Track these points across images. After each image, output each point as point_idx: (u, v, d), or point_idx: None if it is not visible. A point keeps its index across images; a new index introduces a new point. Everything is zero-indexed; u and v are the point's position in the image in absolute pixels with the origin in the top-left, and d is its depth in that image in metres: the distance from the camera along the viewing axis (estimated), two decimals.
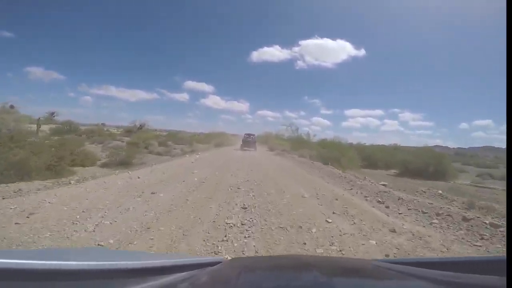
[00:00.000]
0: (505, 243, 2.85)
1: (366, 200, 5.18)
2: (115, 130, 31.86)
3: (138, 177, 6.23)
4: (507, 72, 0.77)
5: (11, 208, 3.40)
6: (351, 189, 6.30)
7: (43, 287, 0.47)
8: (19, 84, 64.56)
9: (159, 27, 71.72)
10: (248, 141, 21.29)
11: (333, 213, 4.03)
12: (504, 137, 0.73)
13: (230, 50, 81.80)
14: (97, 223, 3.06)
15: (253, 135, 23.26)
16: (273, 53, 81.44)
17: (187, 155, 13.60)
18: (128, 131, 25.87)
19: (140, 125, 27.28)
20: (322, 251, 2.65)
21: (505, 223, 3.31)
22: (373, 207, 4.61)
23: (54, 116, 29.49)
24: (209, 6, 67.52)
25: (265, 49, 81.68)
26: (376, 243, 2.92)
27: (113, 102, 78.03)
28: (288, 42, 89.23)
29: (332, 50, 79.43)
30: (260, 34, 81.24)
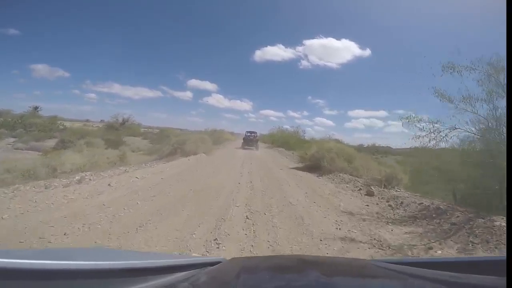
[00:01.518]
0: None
1: None
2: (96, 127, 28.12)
3: None
4: (507, 73, 0.77)
5: None
6: None
7: (43, 287, 0.47)
8: (25, 81, 64.41)
9: (162, 25, 71.45)
10: (250, 140, 20.32)
11: None
12: None
13: (233, 48, 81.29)
14: None
15: (255, 133, 22.22)
16: (277, 52, 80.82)
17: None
18: (110, 127, 22.22)
19: (123, 120, 23.33)
20: None
21: None
22: None
23: (37, 110, 28.71)
24: (213, 5, 67.26)
25: (269, 48, 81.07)
26: None
27: (118, 99, 77.63)
28: (292, 41, 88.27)
29: (336, 50, 78.27)
30: (264, 33, 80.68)
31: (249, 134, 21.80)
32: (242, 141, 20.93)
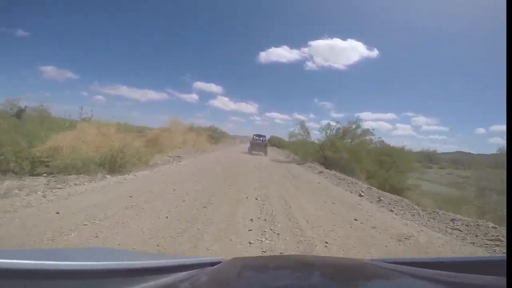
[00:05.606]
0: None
1: None
2: None
3: None
4: (507, 73, 0.77)
5: None
6: None
7: (44, 287, 0.47)
8: (34, 82, 64.06)
9: (167, 28, 71.25)
10: (258, 144, 18.28)
11: None
12: None
13: (237, 50, 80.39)
14: None
15: (264, 136, 20.08)
16: (282, 53, 79.88)
17: None
18: None
19: (19, 110, 12.08)
20: None
21: None
22: None
23: None
24: (216, 6, 67.08)
25: (273, 49, 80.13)
26: None
27: (125, 101, 77.55)
28: (296, 42, 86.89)
29: (343, 50, 76.37)
30: (268, 34, 79.44)
31: (257, 137, 19.49)
32: (249, 145, 18.91)
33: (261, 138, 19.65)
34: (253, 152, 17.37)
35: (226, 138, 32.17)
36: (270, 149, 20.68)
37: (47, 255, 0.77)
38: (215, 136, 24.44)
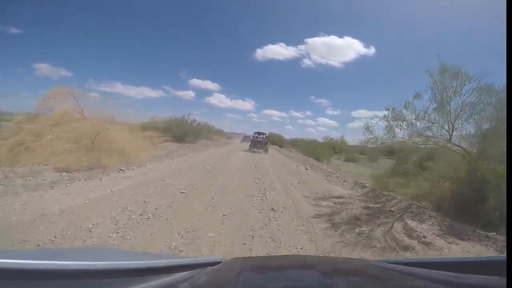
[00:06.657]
0: None
1: None
2: None
3: None
4: (507, 73, 0.77)
5: None
6: None
7: (43, 287, 0.47)
8: (29, 80, 63.13)
9: (164, 24, 70.88)
10: (259, 142, 18.26)
11: None
12: None
13: (234, 47, 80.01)
14: None
15: (264, 134, 19.94)
16: (278, 50, 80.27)
17: None
18: None
19: None
20: None
21: None
22: None
23: None
24: (213, 4, 66.92)
25: (270, 46, 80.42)
26: None
27: (121, 99, 76.18)
28: (293, 39, 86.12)
29: (339, 48, 75.94)
30: (264, 31, 78.99)
31: (257, 135, 19.40)
32: (250, 143, 18.98)
33: (262, 136, 19.62)
34: (253, 149, 17.50)
35: (217, 135, 27.40)
36: (273, 150, 20.28)
37: (47, 255, 0.77)
38: (188, 132, 16.50)
